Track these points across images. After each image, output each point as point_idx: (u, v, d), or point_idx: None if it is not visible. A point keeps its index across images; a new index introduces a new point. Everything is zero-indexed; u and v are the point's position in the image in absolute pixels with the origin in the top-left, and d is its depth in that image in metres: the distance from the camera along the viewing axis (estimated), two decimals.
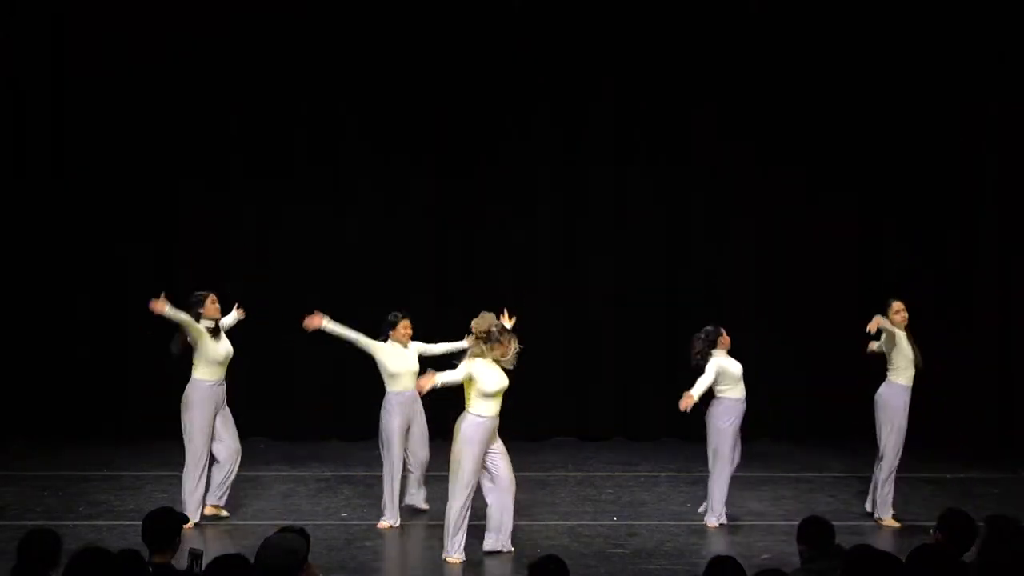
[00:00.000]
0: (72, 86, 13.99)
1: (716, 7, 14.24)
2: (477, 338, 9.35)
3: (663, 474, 12.71)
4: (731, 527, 10.66)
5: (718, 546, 10.03)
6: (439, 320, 14.15)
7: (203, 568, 5.86)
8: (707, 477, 10.71)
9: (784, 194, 14.24)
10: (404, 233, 14.26)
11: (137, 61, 13.98)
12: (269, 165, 14.22)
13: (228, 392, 10.70)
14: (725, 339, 10.63)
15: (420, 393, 9.62)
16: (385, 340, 10.57)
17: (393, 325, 10.60)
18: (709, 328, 10.66)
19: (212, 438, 10.54)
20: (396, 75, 14.17)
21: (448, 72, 14.22)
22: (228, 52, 14.11)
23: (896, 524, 10.68)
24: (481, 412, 9.24)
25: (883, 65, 14.13)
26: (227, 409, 10.65)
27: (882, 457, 10.67)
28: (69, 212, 14.05)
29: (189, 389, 10.56)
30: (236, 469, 10.70)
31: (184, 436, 10.57)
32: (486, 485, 9.48)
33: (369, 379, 13.20)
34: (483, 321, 9.40)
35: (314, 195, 14.24)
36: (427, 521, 10.70)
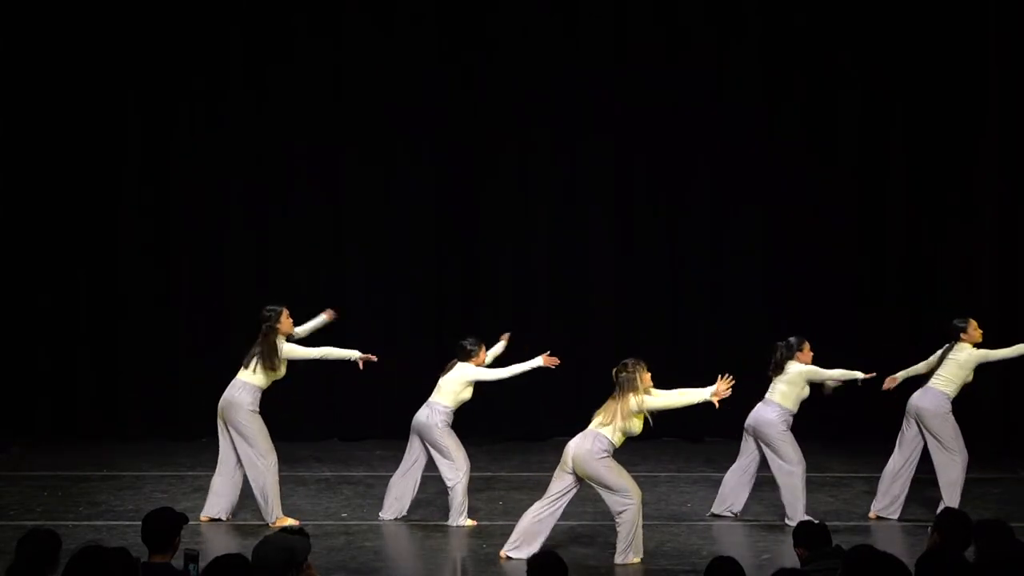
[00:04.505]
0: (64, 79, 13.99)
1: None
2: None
3: (663, 474, 12.70)
4: (731, 527, 10.66)
5: (718, 546, 10.02)
6: (438, 323, 14.25)
7: (200, 568, 5.86)
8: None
9: (784, 196, 14.22)
10: (402, 231, 14.26)
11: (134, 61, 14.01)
12: (267, 168, 14.22)
13: None
14: (806, 353, 10.79)
15: None
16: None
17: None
18: (791, 339, 10.77)
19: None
20: (395, 78, 14.18)
21: (448, 76, 14.24)
22: (224, 58, 14.12)
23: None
24: None
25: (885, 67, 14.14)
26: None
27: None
28: (68, 213, 14.03)
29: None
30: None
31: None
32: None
33: (369, 379, 13.25)
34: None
35: (312, 200, 14.22)
36: (427, 521, 10.70)
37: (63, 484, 11.90)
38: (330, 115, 14.16)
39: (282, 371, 10.64)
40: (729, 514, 10.84)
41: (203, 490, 10.79)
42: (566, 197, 14.34)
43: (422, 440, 10.67)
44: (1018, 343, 11.07)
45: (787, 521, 10.42)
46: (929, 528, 6.59)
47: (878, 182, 14.28)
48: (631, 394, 9.44)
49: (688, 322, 14.36)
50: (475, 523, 10.61)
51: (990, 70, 13.90)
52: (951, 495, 10.66)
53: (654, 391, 9.57)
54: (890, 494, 10.90)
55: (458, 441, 10.68)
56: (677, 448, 13.83)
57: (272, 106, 14.15)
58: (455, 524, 10.55)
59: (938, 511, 10.19)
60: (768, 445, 10.63)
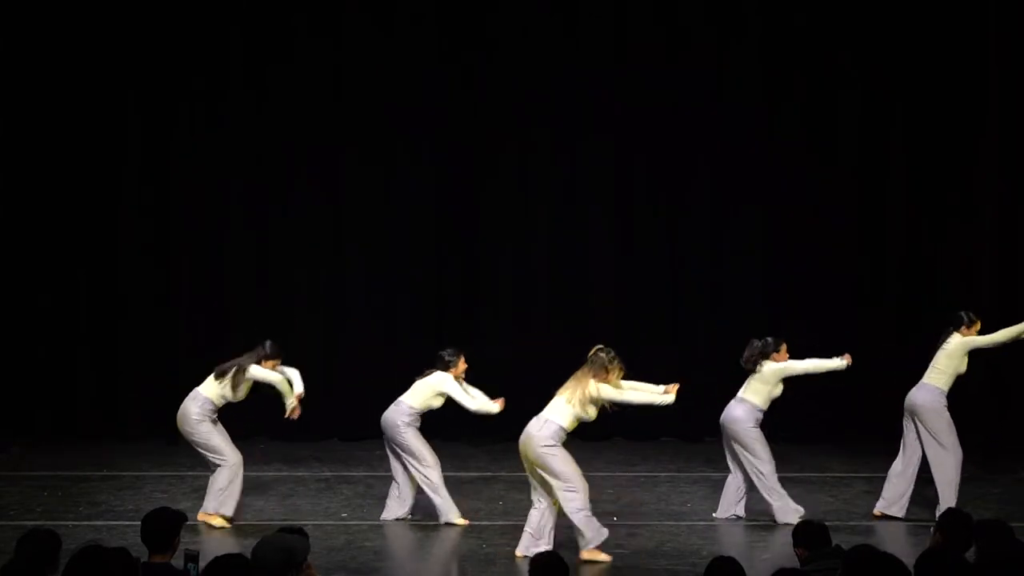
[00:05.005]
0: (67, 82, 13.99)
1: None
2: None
3: (663, 474, 12.70)
4: (731, 527, 10.66)
5: (718, 546, 10.02)
6: (438, 323, 14.24)
7: (200, 568, 5.85)
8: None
9: (784, 196, 14.22)
10: (402, 231, 14.25)
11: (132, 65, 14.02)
12: (267, 168, 14.22)
13: None
14: (783, 355, 10.79)
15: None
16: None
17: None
18: (769, 339, 10.77)
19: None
20: (395, 78, 14.17)
21: (448, 76, 14.24)
22: (224, 58, 14.12)
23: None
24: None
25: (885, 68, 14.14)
26: None
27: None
28: (68, 213, 14.02)
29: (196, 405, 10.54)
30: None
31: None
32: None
33: (369, 379, 13.24)
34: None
35: (312, 200, 14.22)
36: (427, 521, 10.70)
37: (63, 484, 11.90)
38: (330, 115, 14.16)
39: (241, 395, 10.62)
40: (734, 517, 10.85)
41: (203, 490, 10.78)
42: (566, 197, 14.34)
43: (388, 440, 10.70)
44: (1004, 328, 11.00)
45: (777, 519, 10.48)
46: (932, 528, 6.60)
47: (878, 182, 14.28)
48: (593, 378, 9.52)
49: (688, 322, 14.36)
50: (467, 522, 10.60)
51: (990, 70, 13.92)
52: (947, 494, 10.66)
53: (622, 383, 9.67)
54: (896, 492, 10.89)
55: (422, 438, 10.66)
56: (677, 448, 13.83)
57: (272, 106, 14.15)
58: (444, 521, 10.54)
59: (936, 510, 10.22)
60: (737, 442, 10.65)
